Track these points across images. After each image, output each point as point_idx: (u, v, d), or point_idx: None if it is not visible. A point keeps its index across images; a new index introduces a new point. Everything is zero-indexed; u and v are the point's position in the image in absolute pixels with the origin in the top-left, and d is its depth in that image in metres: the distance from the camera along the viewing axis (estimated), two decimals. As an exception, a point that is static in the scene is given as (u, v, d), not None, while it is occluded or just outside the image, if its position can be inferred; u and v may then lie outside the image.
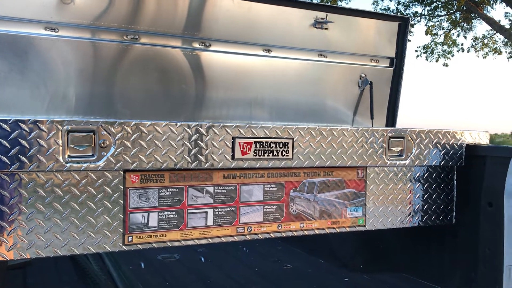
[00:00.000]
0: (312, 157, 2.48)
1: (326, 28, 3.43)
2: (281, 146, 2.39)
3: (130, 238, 2.12)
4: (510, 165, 2.69)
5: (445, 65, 22.20)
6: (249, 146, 2.31)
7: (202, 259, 3.77)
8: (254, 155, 2.33)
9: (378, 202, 2.72)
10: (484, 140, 3.02)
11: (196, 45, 3.12)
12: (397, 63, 3.72)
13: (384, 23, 3.64)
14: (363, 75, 3.63)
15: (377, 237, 3.47)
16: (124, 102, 2.95)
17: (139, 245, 2.14)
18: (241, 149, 2.29)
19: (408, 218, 2.81)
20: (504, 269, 2.70)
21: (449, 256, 3.08)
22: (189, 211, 2.25)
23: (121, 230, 2.09)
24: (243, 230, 2.37)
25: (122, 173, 2.08)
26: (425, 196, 2.87)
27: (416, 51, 21.85)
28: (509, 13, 22.58)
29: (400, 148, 2.74)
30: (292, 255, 3.99)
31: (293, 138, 2.42)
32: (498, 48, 21.94)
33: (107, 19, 2.82)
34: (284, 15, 3.31)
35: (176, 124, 2.16)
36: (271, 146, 2.37)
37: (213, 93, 3.32)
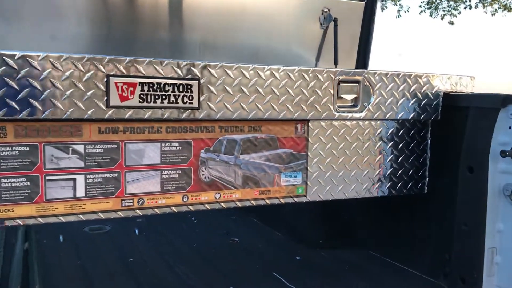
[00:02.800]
0: (230, 107, 1.85)
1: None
2: (181, 90, 1.76)
3: (-44, 215, 1.53)
4: (498, 118, 2.05)
5: (451, 23, 21.06)
6: (131, 88, 1.68)
7: (137, 231, 3.20)
8: (140, 102, 1.70)
9: (324, 166, 2.10)
10: (468, 88, 2.37)
11: None
12: (370, -5, 3.02)
13: None
14: (325, 10, 2.95)
15: (340, 208, 2.88)
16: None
17: (-30, 225, 1.55)
18: (120, 92, 1.66)
19: (365, 187, 2.20)
20: (485, 252, 2.10)
21: (420, 232, 2.48)
22: (47, 177, 1.64)
23: None
24: (131, 203, 1.77)
25: None
26: (389, 159, 2.24)
27: (420, 6, 20.65)
28: (522, -34, 21.21)
29: (353, 96, 2.09)
30: (245, 227, 3.41)
31: (199, 79, 1.78)
32: (508, 5, 20.72)
33: None
34: None
35: (15, 56, 1.52)
36: (166, 89, 1.73)
37: (153, 33, 2.69)
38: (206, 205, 1.90)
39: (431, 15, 19.47)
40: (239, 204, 1.95)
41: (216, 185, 1.90)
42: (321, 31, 2.99)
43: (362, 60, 3.07)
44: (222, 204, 1.92)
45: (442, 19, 20.54)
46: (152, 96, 1.71)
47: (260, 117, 1.91)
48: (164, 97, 1.72)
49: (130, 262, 2.67)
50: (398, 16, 18.74)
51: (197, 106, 1.78)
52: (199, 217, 3.57)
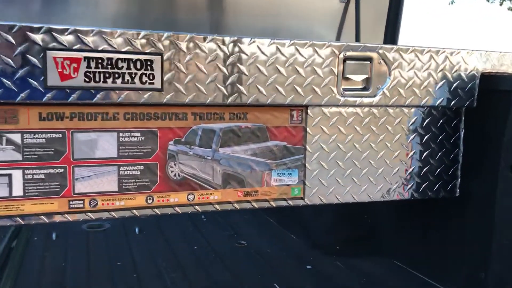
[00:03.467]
0: (203, 88, 1.50)
1: None
2: (138, 67, 1.43)
3: None
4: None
5: (511, 9, 19.64)
6: (75, 64, 1.36)
7: (137, 230, 2.92)
8: (85, 81, 1.38)
9: (328, 163, 1.72)
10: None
11: None
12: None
13: None
14: (345, -19, 2.55)
15: (364, 210, 2.49)
16: None
17: None
18: (60, 69, 1.35)
19: (380, 189, 1.81)
20: (531, 273, 1.67)
21: (451, 244, 2.05)
22: (-27, 172, 1.36)
23: None
24: (81, 205, 1.47)
25: None
26: (411, 154, 1.84)
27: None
28: None
29: (364, 77, 1.70)
30: (257, 228, 3.06)
31: (161, 54, 1.44)
32: None
33: None
34: None
35: None
36: (119, 66, 1.40)
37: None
38: (177, 208, 1.57)
39: (488, 0, 18.10)
40: (218, 207, 1.61)
41: (188, 185, 1.57)
42: (342, 6, 2.59)
43: (391, 38, 2.64)
44: (197, 207, 1.59)
45: (501, 5, 19.05)
46: (101, 75, 1.39)
47: (244, 102, 1.56)
48: (116, 75, 1.40)
49: (117, 266, 2.38)
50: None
51: (159, 87, 1.45)
52: (208, 215, 3.26)
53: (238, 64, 1.52)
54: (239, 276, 2.29)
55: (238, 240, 2.82)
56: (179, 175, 1.56)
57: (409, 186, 1.85)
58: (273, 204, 1.67)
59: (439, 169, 1.88)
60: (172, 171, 1.55)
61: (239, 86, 1.54)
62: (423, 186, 1.86)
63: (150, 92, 1.44)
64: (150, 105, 1.48)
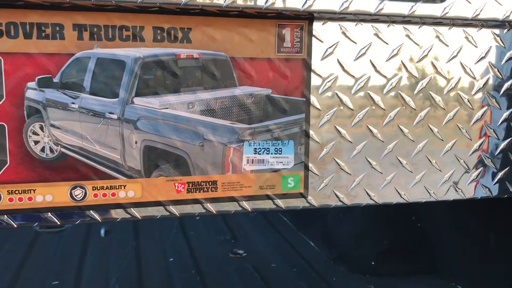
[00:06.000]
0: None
1: None
2: None
3: None
4: None
5: None
6: None
7: (102, 232, 2.19)
8: None
9: (350, 131, 0.91)
10: None
11: None
12: None
13: None
14: None
15: (408, 213, 1.71)
16: None
17: None
18: None
19: (446, 182, 0.99)
20: None
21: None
22: None
23: None
24: None
25: None
26: (500, 121, 1.01)
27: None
28: None
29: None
30: (264, 231, 2.29)
31: None
32: None
33: None
34: None
35: None
36: None
37: None
38: (52, 216, 0.80)
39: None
40: (136, 213, 0.83)
41: (73, 169, 0.80)
42: None
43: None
44: (92, 213, 0.81)
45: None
46: None
47: (178, 2, 0.77)
48: None
49: (58, 282, 1.66)
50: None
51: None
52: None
53: None
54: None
55: (234, 248, 2.04)
56: (52, 151, 0.79)
57: (499, 175, 1.02)
58: (247, 205, 0.88)
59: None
60: (36, 143, 0.78)
61: (165, -32, 0.75)
62: (502, 179, 1.03)
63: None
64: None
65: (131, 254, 1.95)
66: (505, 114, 1.01)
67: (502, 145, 1.02)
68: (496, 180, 1.03)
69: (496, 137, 1.01)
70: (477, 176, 1.01)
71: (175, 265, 1.87)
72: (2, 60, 0.75)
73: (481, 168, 1.01)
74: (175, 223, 2.34)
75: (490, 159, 1.02)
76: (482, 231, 1.55)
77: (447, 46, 0.94)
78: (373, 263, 1.82)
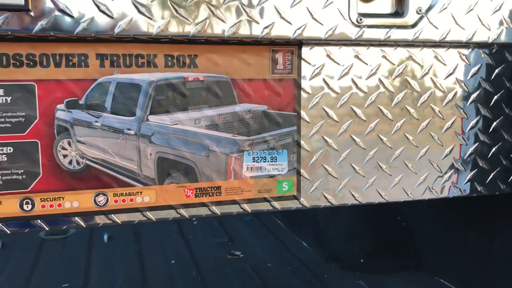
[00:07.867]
0: (112, 9, 0.85)
1: None
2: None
3: None
4: None
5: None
6: None
7: (105, 237, 2.30)
8: None
9: (337, 139, 1.05)
10: None
11: None
12: None
13: None
14: None
15: (395, 211, 1.84)
16: None
17: None
18: None
19: (423, 181, 1.12)
20: None
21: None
22: None
23: None
24: None
25: None
26: (473, 125, 1.15)
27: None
28: None
29: (394, -8, 1.02)
30: (259, 233, 2.41)
31: None
32: None
33: None
34: None
35: None
36: None
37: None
38: (78, 220, 0.92)
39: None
40: (151, 216, 0.96)
41: (96, 179, 0.92)
42: None
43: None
44: (113, 217, 0.94)
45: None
46: None
47: (186, 34, 0.90)
48: None
49: (68, 285, 1.77)
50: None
51: (22, 3, 0.80)
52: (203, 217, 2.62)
53: (170, -35, 0.86)
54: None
55: (231, 250, 2.16)
56: (78, 163, 0.91)
57: (469, 176, 1.16)
58: (247, 207, 1.01)
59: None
60: (65, 156, 0.91)
61: (173, 6, 0.88)
62: (490, 177, 1.17)
63: (11, 14, 0.80)
64: (18, 39, 0.83)
65: (134, 258, 2.07)
66: (472, 123, 1.15)
67: (470, 150, 1.16)
68: (466, 180, 1.17)
69: (465, 143, 1.15)
70: (449, 177, 1.15)
71: (177, 267, 1.99)
72: (36, 86, 0.87)
73: (453, 170, 1.15)
74: (175, 228, 2.46)
75: (460, 163, 1.15)
76: (461, 228, 1.68)
77: (419, 64, 1.08)
78: (362, 260, 1.95)
